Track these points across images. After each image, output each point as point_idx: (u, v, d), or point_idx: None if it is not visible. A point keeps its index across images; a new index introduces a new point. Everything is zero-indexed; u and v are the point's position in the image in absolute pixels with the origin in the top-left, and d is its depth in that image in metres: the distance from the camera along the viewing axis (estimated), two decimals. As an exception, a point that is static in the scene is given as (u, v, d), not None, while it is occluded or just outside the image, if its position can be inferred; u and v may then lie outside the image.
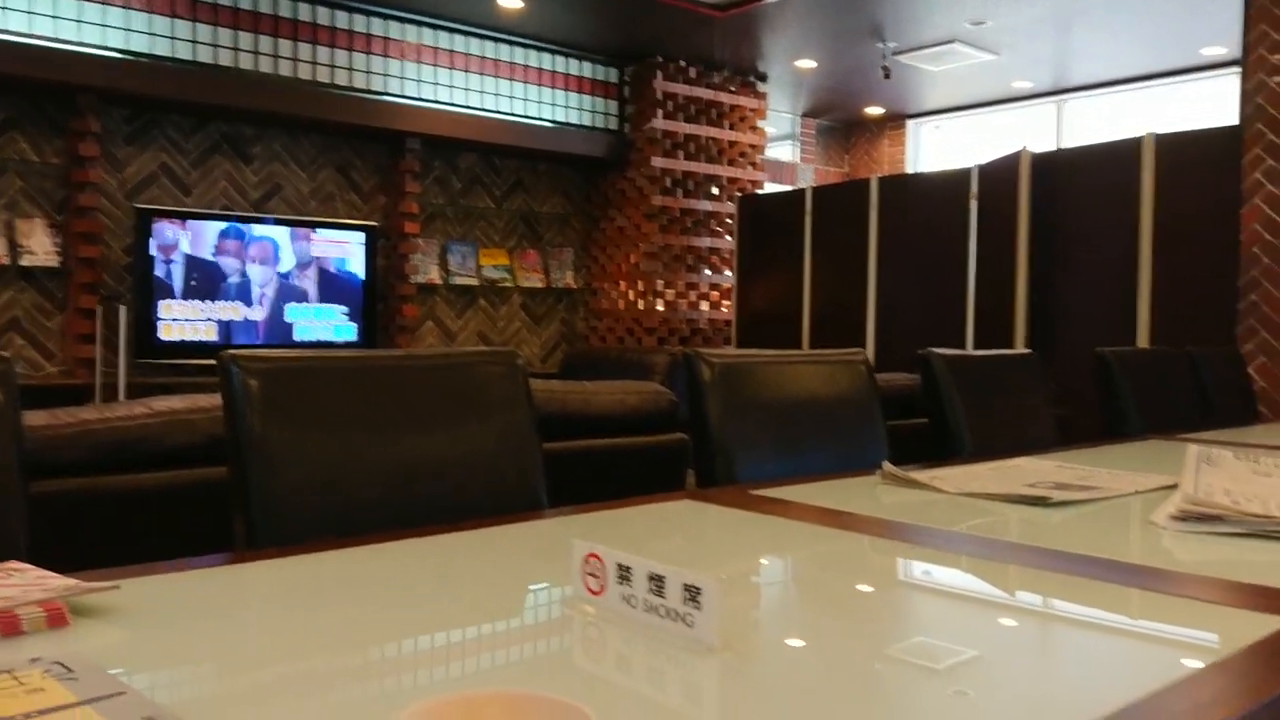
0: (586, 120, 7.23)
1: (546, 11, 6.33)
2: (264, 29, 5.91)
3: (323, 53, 6.10)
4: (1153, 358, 3.37)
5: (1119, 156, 5.13)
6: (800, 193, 7.04)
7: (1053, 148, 5.85)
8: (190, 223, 5.78)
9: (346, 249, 6.34)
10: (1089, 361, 3.00)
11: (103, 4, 5.40)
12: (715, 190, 7.50)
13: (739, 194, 7.46)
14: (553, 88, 7.05)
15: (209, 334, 5.84)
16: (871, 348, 6.36)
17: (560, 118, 7.10)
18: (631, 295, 7.31)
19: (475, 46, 6.68)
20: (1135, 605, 1.06)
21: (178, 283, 5.75)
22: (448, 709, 0.59)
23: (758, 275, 7.22)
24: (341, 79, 6.16)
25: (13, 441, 1.24)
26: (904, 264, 6.27)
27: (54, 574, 0.96)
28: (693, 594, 0.84)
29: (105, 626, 0.90)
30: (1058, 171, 5.36)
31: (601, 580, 0.93)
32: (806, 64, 7.40)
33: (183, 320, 5.76)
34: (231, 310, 5.93)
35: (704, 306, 7.50)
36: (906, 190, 6.39)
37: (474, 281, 6.98)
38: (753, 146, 7.68)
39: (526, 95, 6.91)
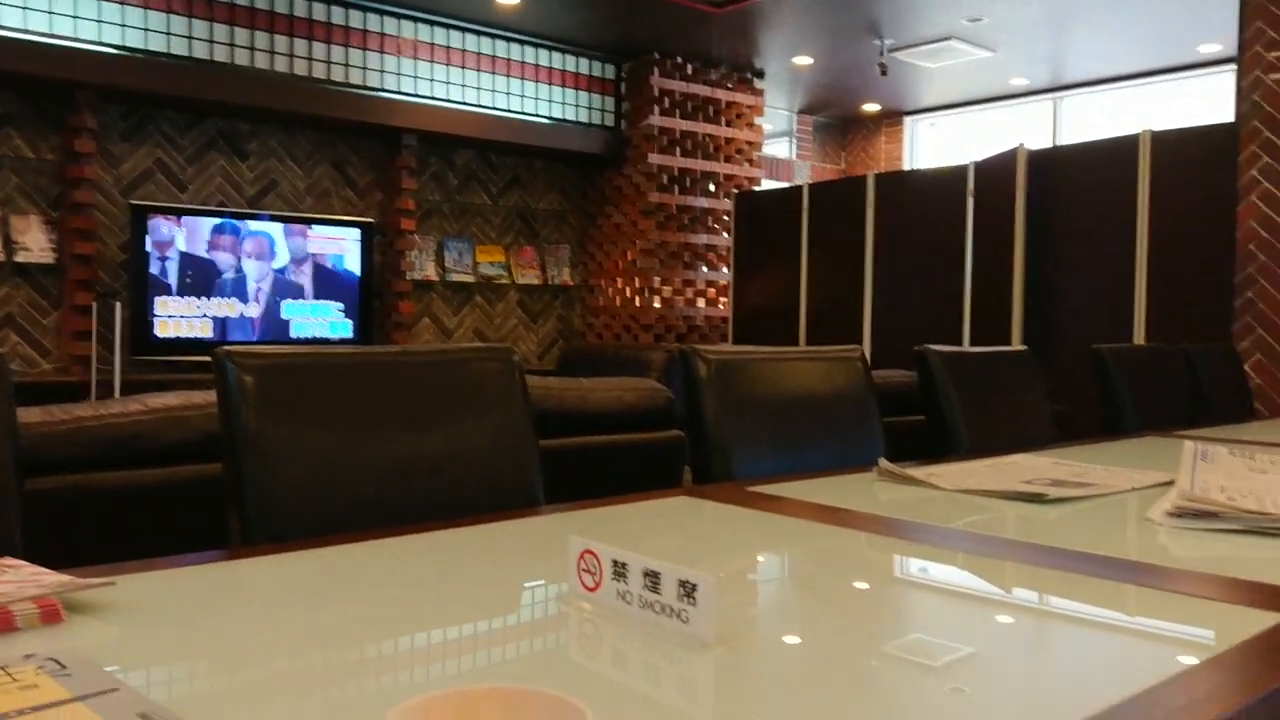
0: (583, 117, 7.22)
1: (543, 7, 6.32)
2: (260, 25, 5.89)
3: (319, 49, 6.09)
4: (1149, 354, 3.37)
5: (1115, 153, 5.13)
6: (797, 189, 7.04)
7: (1049, 145, 5.85)
8: (186, 219, 5.77)
9: (342, 245, 6.33)
10: (1085, 358, 3.01)
11: (98, -1, 5.39)
12: (712, 187, 7.49)
13: (736, 191, 7.46)
14: (549, 84, 7.05)
15: (204, 330, 5.83)
16: (868, 344, 6.36)
17: (557, 114, 7.09)
18: (628, 292, 7.30)
19: (472, 43, 6.68)
20: (1131, 602, 1.06)
21: (173, 279, 5.74)
22: (443, 705, 0.58)
23: (754, 272, 7.21)
24: (338, 75, 6.15)
25: (8, 438, 1.24)
26: (901, 261, 6.27)
27: (49, 570, 0.96)
28: (688, 590, 0.84)
29: (100, 623, 0.89)
30: (1054, 168, 5.36)
31: (597, 576, 0.93)
32: (803, 61, 7.40)
33: (178, 317, 5.75)
34: (227, 307, 5.93)
35: (701, 303, 7.50)
36: (903, 187, 6.39)
37: (470, 278, 6.97)
38: (749, 143, 7.68)
39: (523, 91, 6.90)
